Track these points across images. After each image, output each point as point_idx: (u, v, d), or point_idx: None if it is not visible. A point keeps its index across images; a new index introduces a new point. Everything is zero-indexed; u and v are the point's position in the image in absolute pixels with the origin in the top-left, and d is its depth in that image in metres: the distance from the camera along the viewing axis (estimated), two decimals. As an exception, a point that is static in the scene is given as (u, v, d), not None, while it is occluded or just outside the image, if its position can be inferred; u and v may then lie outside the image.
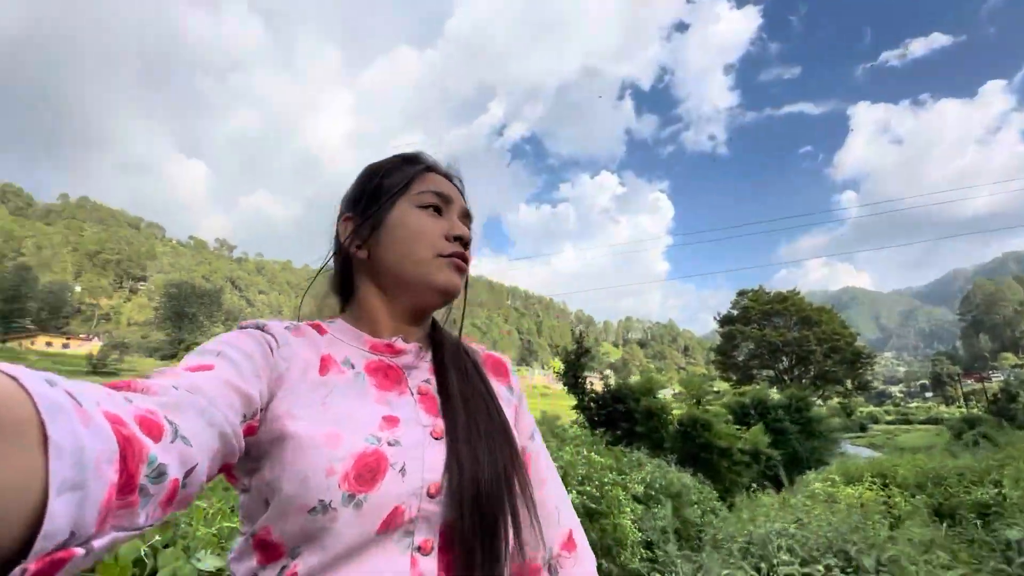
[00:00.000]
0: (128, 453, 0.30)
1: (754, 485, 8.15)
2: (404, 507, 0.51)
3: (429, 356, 0.66)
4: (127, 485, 0.29)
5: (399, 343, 0.63)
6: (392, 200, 0.64)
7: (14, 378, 0.25)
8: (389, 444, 0.52)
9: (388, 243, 0.63)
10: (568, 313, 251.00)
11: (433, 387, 0.62)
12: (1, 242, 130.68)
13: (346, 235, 0.66)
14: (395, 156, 0.69)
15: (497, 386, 0.69)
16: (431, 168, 0.68)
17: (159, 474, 0.32)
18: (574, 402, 10.03)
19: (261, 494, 0.51)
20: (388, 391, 0.58)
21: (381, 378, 0.59)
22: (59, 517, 0.24)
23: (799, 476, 8.71)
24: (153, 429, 0.34)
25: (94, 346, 71.31)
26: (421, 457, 0.54)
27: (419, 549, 0.52)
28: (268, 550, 0.50)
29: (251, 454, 0.51)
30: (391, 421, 0.54)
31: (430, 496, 0.53)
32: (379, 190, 0.66)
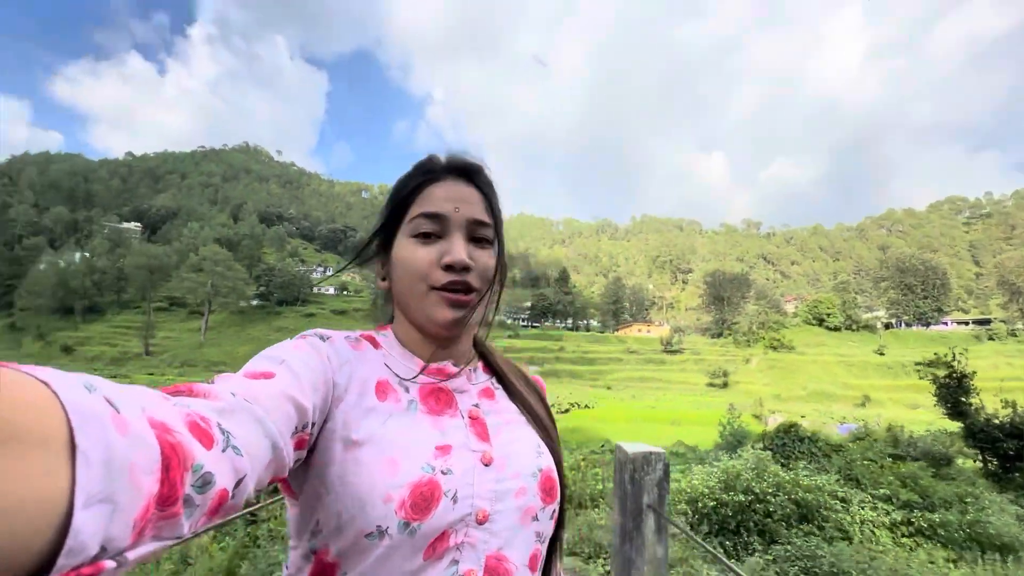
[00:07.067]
0: (172, 462, 0.29)
1: None
2: (451, 532, 0.52)
3: (477, 379, 0.67)
4: (169, 496, 0.28)
5: (450, 367, 0.64)
6: (398, 227, 0.63)
7: (46, 383, 0.24)
8: (443, 473, 0.53)
9: (395, 278, 0.62)
10: None
11: (482, 411, 0.63)
12: (606, 260, 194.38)
13: (377, 261, 0.66)
14: (415, 168, 0.65)
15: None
16: (433, 178, 0.63)
17: (204, 483, 0.31)
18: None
19: (313, 511, 0.51)
20: (440, 415, 0.59)
21: (433, 402, 0.60)
22: (85, 532, 0.23)
23: None
24: (204, 436, 0.33)
25: (664, 330, 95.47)
26: (472, 484, 0.55)
27: None
28: (322, 569, 0.51)
29: (305, 469, 0.51)
30: (444, 449, 0.55)
31: (478, 523, 0.54)
32: (388, 219, 0.64)
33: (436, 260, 0.60)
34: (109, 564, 0.25)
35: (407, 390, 0.59)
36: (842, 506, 6.06)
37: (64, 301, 79.82)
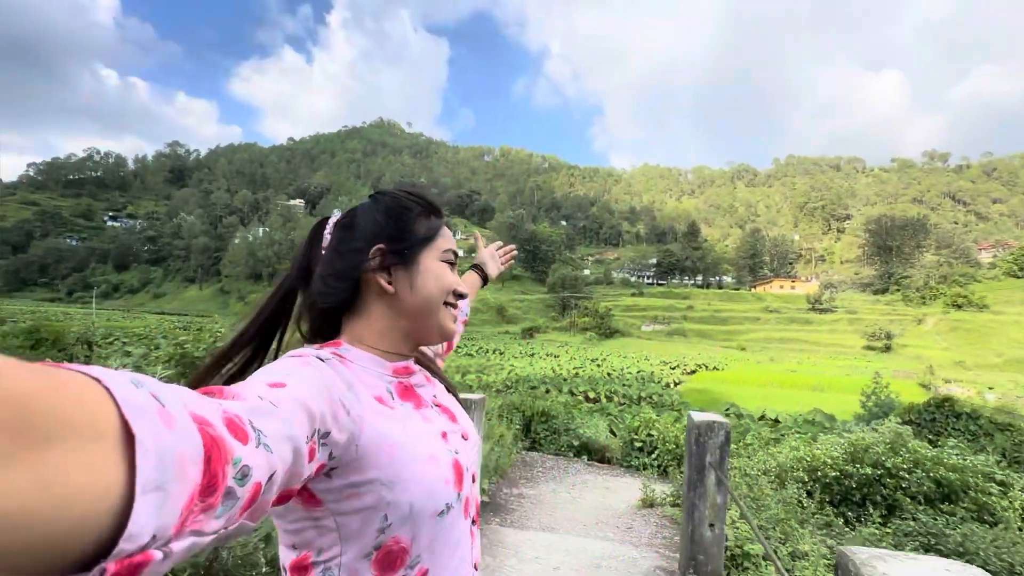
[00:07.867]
0: (214, 454, 0.31)
1: None
2: (469, 495, 0.72)
3: (419, 370, 0.79)
4: (210, 486, 0.30)
5: (412, 365, 0.75)
6: (424, 247, 0.74)
7: (97, 380, 0.26)
8: (455, 453, 0.69)
9: (416, 284, 0.72)
10: None
11: (440, 399, 0.78)
12: (743, 210, 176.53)
13: (374, 264, 0.71)
14: (418, 199, 0.76)
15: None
16: (445, 223, 0.79)
17: (243, 476, 0.33)
18: None
19: (376, 511, 0.59)
20: (419, 409, 0.71)
21: (412, 399, 0.71)
22: (143, 517, 0.25)
23: None
24: (240, 432, 0.35)
25: (811, 286, 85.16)
26: (467, 455, 0.73)
27: (472, 523, 0.74)
28: (389, 560, 0.61)
29: (352, 481, 0.58)
30: (444, 435, 0.70)
31: (472, 482, 0.74)
32: (410, 233, 0.74)
33: (454, 287, 0.76)
34: (157, 555, 0.26)
35: (392, 397, 0.68)
36: (999, 489, 5.48)
37: (255, 269, 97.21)
